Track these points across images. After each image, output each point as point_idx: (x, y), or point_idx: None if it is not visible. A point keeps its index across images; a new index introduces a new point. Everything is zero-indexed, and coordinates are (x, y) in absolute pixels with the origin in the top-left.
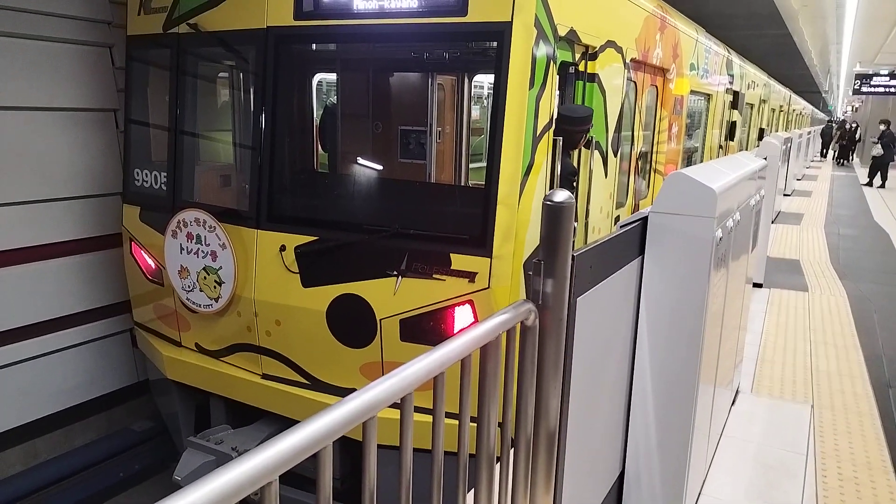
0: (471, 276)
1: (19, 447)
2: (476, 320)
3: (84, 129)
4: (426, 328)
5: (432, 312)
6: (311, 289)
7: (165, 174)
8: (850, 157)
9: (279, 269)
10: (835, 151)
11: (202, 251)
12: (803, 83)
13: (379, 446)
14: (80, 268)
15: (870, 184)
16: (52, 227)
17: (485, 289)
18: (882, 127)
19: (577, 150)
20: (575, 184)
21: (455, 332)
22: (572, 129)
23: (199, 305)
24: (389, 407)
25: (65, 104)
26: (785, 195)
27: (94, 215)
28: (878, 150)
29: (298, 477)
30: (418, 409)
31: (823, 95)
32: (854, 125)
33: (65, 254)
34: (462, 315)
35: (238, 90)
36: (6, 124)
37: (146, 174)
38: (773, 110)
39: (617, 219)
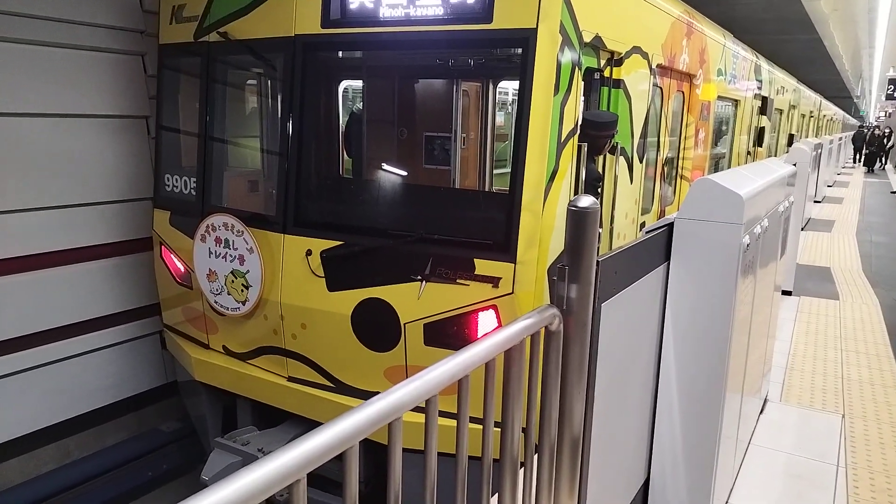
0: (495, 281)
1: (52, 445)
2: (500, 325)
3: (116, 136)
4: (450, 333)
5: (456, 317)
6: (337, 293)
7: (195, 179)
8: (883, 164)
9: (305, 274)
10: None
11: (230, 255)
12: (834, 88)
13: (403, 450)
14: (112, 271)
15: None
16: (85, 231)
17: (508, 294)
18: None
19: (602, 156)
20: (600, 189)
21: (479, 337)
22: (597, 134)
23: (227, 308)
24: (414, 411)
25: (98, 111)
26: (815, 202)
27: (125, 220)
28: None
29: (323, 479)
30: (442, 414)
31: (855, 101)
32: (887, 130)
33: (97, 257)
34: (486, 320)
35: (266, 97)
36: (42, 131)
37: (176, 179)
38: (803, 116)
39: (642, 225)
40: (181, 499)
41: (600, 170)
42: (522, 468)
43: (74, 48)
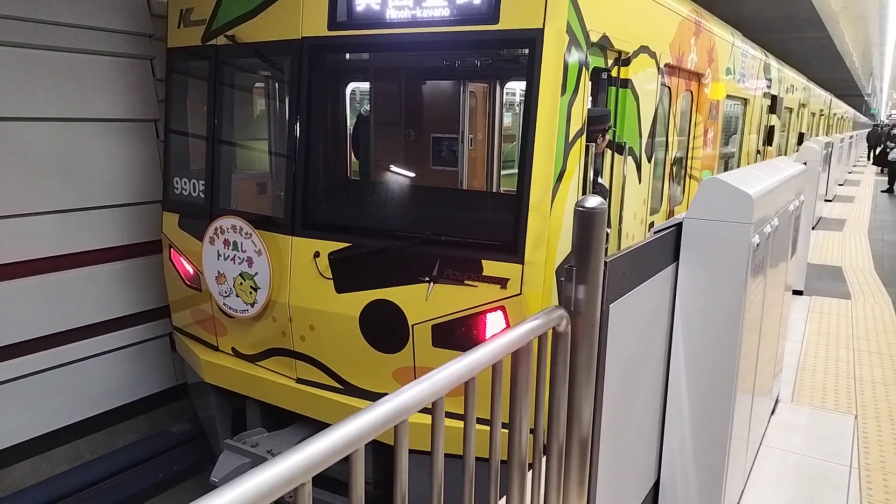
0: (503, 282)
1: (65, 447)
2: (508, 326)
3: (126, 139)
4: (458, 334)
5: (464, 318)
6: (345, 294)
7: (203, 182)
8: None
9: (313, 275)
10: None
11: (238, 257)
12: (844, 86)
13: (411, 451)
14: (122, 274)
15: (890, 190)
16: (95, 235)
17: (517, 295)
18: None
19: (601, 152)
20: (600, 181)
21: (487, 338)
22: (590, 129)
23: (236, 311)
24: (421, 412)
25: (107, 115)
26: (826, 201)
27: (135, 223)
28: (894, 154)
29: (332, 481)
30: (450, 415)
31: (866, 98)
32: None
33: (107, 260)
34: (494, 321)
35: (273, 100)
36: (52, 135)
37: (185, 182)
38: (813, 114)
39: (651, 225)
40: (191, 500)
41: (608, 169)
42: (530, 470)
43: (83, 52)
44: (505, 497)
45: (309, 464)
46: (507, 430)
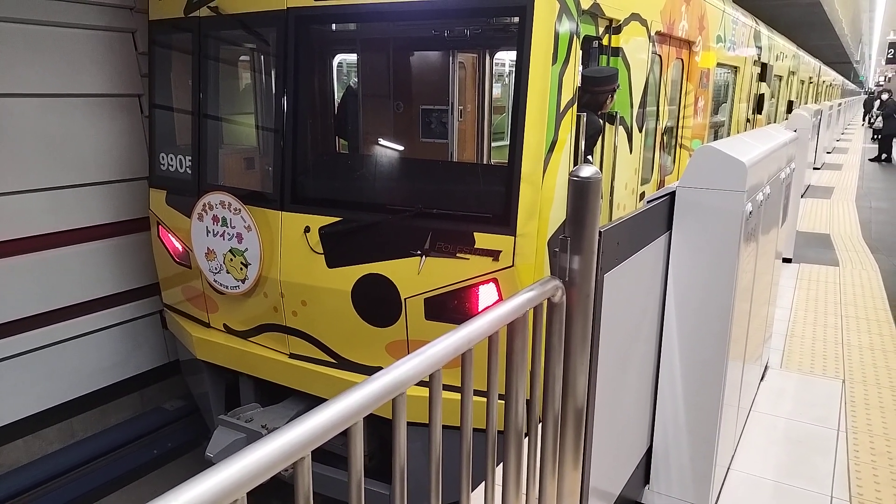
0: (495, 254)
1: (57, 426)
2: (500, 299)
3: (109, 115)
4: (451, 307)
5: (456, 291)
6: (336, 269)
7: (190, 158)
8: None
9: (304, 250)
10: (871, 126)
11: (228, 233)
12: (833, 54)
13: (408, 423)
14: (110, 252)
15: (878, 158)
16: (81, 212)
17: (509, 267)
18: (884, 96)
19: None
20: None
21: (479, 310)
22: (599, 90)
23: (227, 287)
24: (417, 385)
25: (89, 90)
26: (815, 168)
27: (121, 200)
28: (879, 123)
29: (327, 454)
30: (445, 387)
31: (854, 66)
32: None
33: (94, 238)
34: (486, 294)
35: (259, 72)
36: (33, 112)
37: (171, 158)
38: (803, 82)
39: (642, 195)
40: (187, 476)
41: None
42: (526, 439)
43: (63, 26)
44: (502, 466)
45: (308, 438)
46: (503, 401)
